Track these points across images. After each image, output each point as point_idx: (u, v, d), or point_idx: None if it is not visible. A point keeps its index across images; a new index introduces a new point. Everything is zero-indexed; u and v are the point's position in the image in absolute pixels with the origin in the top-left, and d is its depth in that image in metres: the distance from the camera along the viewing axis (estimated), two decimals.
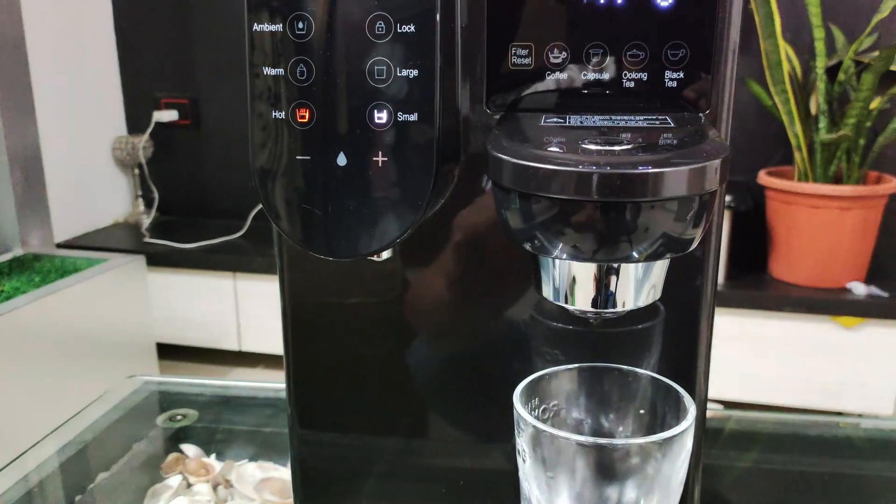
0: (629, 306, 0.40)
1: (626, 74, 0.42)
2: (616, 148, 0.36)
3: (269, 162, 0.41)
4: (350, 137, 0.40)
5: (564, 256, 0.36)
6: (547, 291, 0.42)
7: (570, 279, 0.40)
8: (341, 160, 0.40)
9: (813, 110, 1.90)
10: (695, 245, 0.37)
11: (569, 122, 0.41)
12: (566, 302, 0.41)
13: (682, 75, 0.42)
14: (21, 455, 0.75)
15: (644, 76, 0.42)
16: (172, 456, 0.76)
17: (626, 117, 0.41)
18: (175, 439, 0.81)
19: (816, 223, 1.90)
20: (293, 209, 0.41)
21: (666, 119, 0.41)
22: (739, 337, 1.97)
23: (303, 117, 0.40)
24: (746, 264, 2.06)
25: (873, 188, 1.88)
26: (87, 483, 0.73)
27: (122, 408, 0.86)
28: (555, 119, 0.42)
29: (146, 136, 2.54)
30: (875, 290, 1.91)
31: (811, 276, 1.96)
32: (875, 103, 1.83)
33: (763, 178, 1.99)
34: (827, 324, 1.91)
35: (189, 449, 0.78)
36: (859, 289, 1.91)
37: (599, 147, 0.36)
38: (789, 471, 0.76)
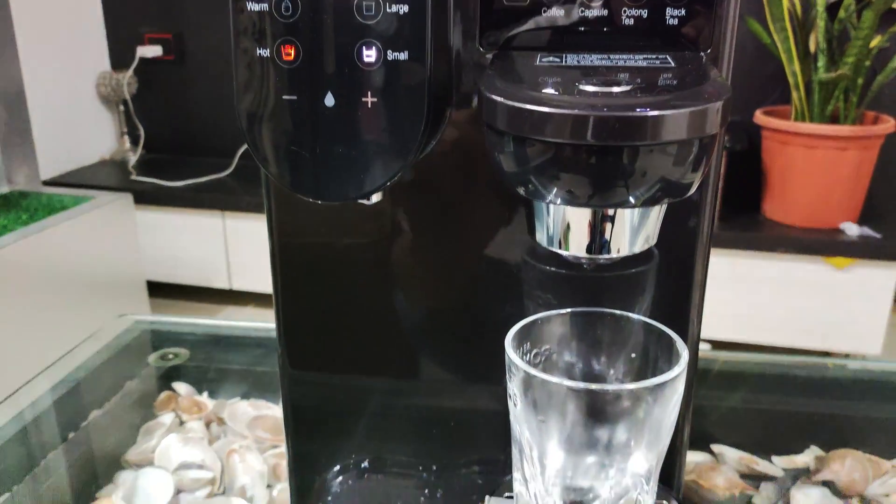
0: (624, 252, 0.40)
1: (625, 11, 0.40)
2: (614, 89, 0.34)
3: (255, 102, 0.40)
4: (338, 77, 0.39)
5: (559, 201, 0.35)
6: (540, 237, 0.41)
7: (564, 225, 0.39)
8: (329, 100, 0.39)
9: (812, 48, 1.87)
10: (693, 190, 0.36)
11: (565, 62, 0.40)
12: (560, 248, 0.40)
13: (683, 12, 0.40)
14: (14, 393, 0.76)
15: (644, 13, 0.40)
16: (165, 394, 0.77)
17: (624, 56, 0.40)
18: (167, 378, 0.81)
19: (812, 163, 1.89)
20: (280, 151, 0.40)
21: (666, 58, 0.40)
22: (731, 277, 1.98)
23: (288, 55, 0.39)
24: (740, 204, 2.06)
25: (870, 128, 1.87)
26: (80, 420, 0.73)
27: (114, 347, 0.87)
28: (551, 58, 0.40)
29: (130, 71, 2.49)
30: (867, 231, 1.91)
31: (805, 217, 1.96)
32: (875, 42, 1.80)
33: (759, 117, 1.98)
34: (819, 264, 1.92)
35: (181, 387, 0.78)
36: (852, 229, 1.91)
37: (597, 88, 0.35)
38: (778, 411, 0.77)
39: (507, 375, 0.42)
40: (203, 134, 2.62)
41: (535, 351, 0.45)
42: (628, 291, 0.48)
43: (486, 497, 0.47)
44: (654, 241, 0.41)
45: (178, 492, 0.62)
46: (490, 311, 0.50)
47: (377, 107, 0.39)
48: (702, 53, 0.41)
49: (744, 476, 0.64)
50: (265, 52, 0.39)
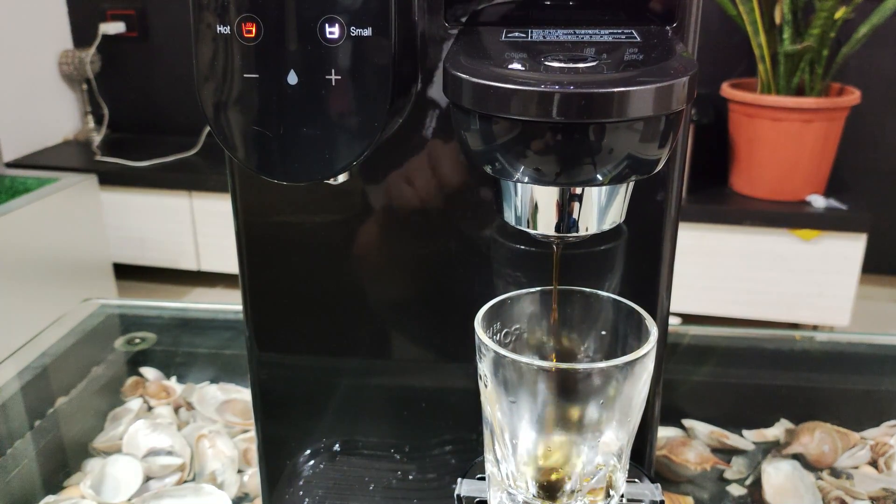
0: (592, 230, 0.39)
1: None
2: (580, 65, 0.34)
3: (216, 81, 0.39)
4: (300, 54, 0.38)
5: (526, 180, 0.35)
6: (508, 216, 0.41)
7: (532, 203, 0.39)
8: (292, 78, 0.38)
9: (777, 20, 1.88)
10: (660, 166, 0.36)
11: (531, 37, 0.39)
12: (528, 227, 0.40)
13: None
14: None
15: None
16: (132, 379, 0.76)
17: (590, 31, 0.39)
18: (134, 363, 0.80)
19: (778, 136, 1.91)
20: (243, 131, 0.39)
21: (632, 33, 0.39)
22: (699, 250, 1.99)
23: (249, 32, 0.38)
24: (707, 178, 2.07)
25: (835, 100, 1.88)
26: (46, 408, 0.72)
27: (80, 331, 0.85)
28: (516, 33, 0.40)
29: (93, 49, 2.44)
30: (833, 203, 1.93)
31: (772, 190, 1.97)
32: (839, 13, 1.81)
33: (726, 90, 1.98)
34: (786, 237, 1.94)
35: (149, 372, 0.77)
36: (818, 201, 1.93)
37: (563, 64, 0.34)
38: (748, 384, 0.78)
39: (478, 356, 0.41)
40: (169, 112, 2.58)
41: (505, 330, 0.45)
42: (598, 268, 0.48)
43: (459, 479, 0.47)
44: (622, 219, 0.41)
45: (147, 479, 0.61)
46: (459, 291, 0.50)
47: (341, 84, 0.38)
48: (667, 27, 0.40)
49: (715, 450, 0.65)
50: (225, 30, 0.38)
